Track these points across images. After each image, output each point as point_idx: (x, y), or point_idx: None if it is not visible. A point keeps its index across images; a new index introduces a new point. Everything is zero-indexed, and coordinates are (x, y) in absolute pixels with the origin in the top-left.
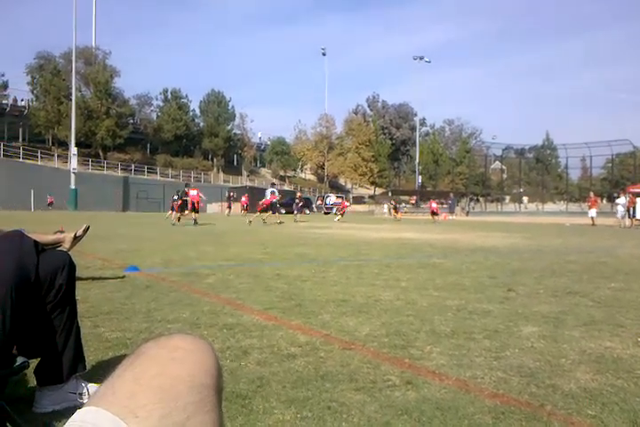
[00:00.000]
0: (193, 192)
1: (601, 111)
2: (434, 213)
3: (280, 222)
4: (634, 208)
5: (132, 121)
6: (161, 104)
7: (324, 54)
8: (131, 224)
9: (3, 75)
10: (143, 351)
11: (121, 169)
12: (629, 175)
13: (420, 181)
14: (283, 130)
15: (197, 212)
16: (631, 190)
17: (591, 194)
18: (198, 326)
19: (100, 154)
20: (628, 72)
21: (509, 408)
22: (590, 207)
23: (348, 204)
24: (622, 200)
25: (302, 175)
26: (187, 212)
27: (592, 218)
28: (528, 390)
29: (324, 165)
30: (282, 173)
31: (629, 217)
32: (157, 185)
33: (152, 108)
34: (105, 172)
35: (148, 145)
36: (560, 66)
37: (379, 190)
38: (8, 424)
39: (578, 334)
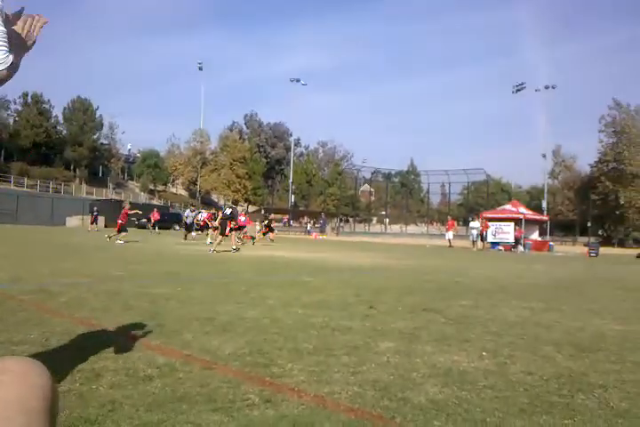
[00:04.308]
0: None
1: (460, 141)
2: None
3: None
4: (486, 232)
5: None
6: (19, 108)
7: (200, 69)
8: None
9: None
10: None
11: None
12: (483, 202)
13: (292, 200)
14: (155, 143)
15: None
16: (485, 216)
17: (449, 218)
18: (47, 348)
19: None
20: (484, 106)
21: (363, 422)
22: (448, 230)
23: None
24: (476, 224)
25: (173, 190)
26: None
27: (449, 240)
28: (381, 403)
29: (196, 180)
30: (151, 186)
31: (482, 240)
32: (11, 195)
33: (9, 112)
34: None
35: (2, 151)
36: (425, 98)
37: (252, 208)
38: None
39: (430, 348)
